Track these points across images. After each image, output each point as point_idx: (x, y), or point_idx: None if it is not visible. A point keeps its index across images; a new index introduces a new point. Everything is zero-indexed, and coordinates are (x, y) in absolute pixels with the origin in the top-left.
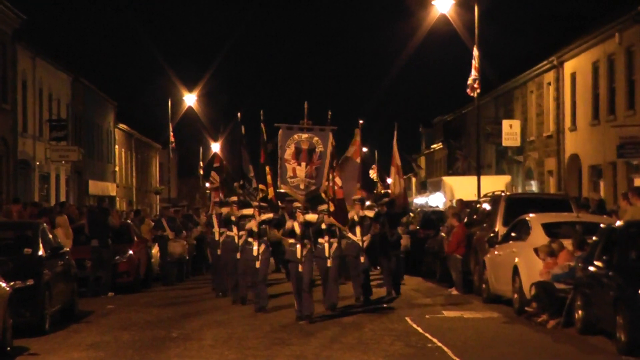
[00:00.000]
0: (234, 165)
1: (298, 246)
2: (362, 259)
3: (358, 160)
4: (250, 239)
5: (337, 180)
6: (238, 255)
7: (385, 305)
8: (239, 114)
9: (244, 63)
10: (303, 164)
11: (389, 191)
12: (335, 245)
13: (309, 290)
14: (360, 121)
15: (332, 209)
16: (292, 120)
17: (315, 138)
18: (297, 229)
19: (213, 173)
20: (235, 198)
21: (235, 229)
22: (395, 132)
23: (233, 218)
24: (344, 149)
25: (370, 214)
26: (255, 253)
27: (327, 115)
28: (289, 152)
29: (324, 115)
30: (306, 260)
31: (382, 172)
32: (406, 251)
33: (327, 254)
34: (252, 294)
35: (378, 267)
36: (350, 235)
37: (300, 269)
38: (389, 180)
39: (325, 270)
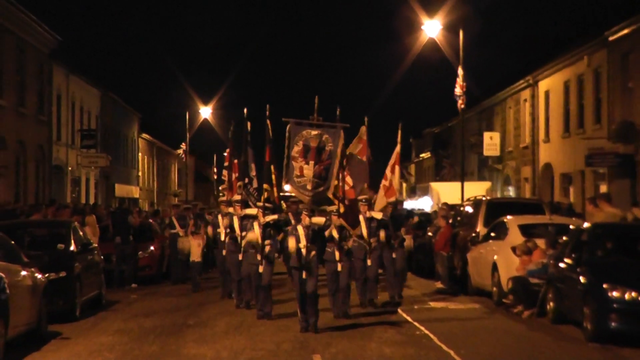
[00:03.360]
0: (240, 163)
1: (302, 252)
2: (369, 262)
3: (364, 159)
4: (252, 250)
5: (348, 180)
6: (240, 257)
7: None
8: (245, 110)
9: (256, 70)
10: (311, 162)
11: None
12: (345, 248)
13: (314, 299)
14: (366, 118)
15: (341, 210)
16: (299, 116)
17: (325, 135)
18: (302, 234)
19: (224, 172)
20: (238, 197)
21: (238, 230)
22: (399, 132)
23: (236, 218)
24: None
25: (377, 215)
26: (259, 257)
27: (336, 112)
28: (296, 149)
29: (330, 113)
30: (311, 267)
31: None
32: (409, 251)
33: (337, 258)
34: (255, 299)
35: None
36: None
37: (304, 277)
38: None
39: (335, 275)
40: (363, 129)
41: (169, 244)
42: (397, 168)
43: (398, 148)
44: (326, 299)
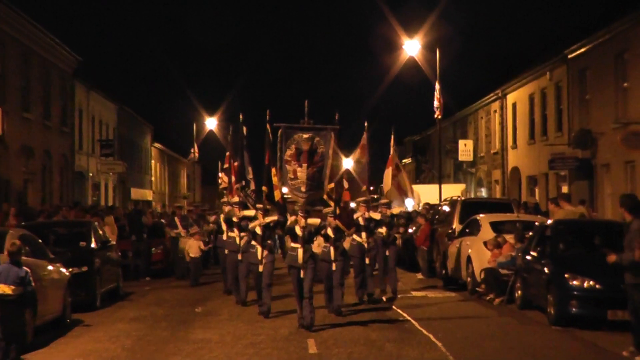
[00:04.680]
0: (238, 166)
1: (299, 251)
2: (367, 260)
3: (364, 162)
4: (253, 242)
5: (344, 182)
6: (239, 257)
7: (384, 299)
8: (240, 116)
9: (256, 79)
10: (304, 165)
11: (376, 196)
12: (340, 248)
13: (310, 297)
14: (365, 123)
15: (337, 211)
16: (293, 121)
17: (317, 138)
18: (299, 233)
19: (222, 174)
20: (237, 199)
21: (236, 230)
22: (392, 136)
23: (235, 219)
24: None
25: (376, 216)
26: (259, 257)
27: (334, 117)
28: (289, 153)
29: (326, 117)
30: (307, 266)
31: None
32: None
33: (332, 257)
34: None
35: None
36: (355, 236)
37: (301, 275)
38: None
39: (330, 274)
40: (364, 134)
41: (171, 242)
42: (389, 170)
43: (392, 151)
44: (320, 296)
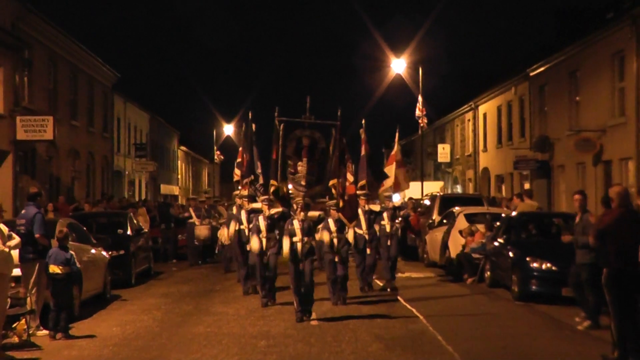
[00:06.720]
0: (247, 161)
1: (299, 245)
2: (368, 251)
3: (363, 156)
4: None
5: (349, 176)
6: (248, 247)
7: (388, 290)
8: (249, 113)
9: (267, 80)
10: (305, 159)
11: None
12: (343, 240)
13: (309, 289)
14: (363, 120)
15: (340, 204)
16: (296, 117)
17: (317, 134)
18: (298, 227)
19: (235, 168)
20: (246, 192)
21: (245, 222)
22: (397, 133)
23: (244, 211)
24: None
25: (376, 208)
26: (263, 247)
27: (337, 112)
28: (290, 147)
29: (329, 113)
30: (307, 259)
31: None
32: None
33: (334, 249)
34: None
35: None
36: (356, 228)
37: (300, 267)
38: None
39: (333, 265)
40: (361, 131)
41: (186, 230)
42: (393, 165)
43: (396, 147)
44: (321, 287)
